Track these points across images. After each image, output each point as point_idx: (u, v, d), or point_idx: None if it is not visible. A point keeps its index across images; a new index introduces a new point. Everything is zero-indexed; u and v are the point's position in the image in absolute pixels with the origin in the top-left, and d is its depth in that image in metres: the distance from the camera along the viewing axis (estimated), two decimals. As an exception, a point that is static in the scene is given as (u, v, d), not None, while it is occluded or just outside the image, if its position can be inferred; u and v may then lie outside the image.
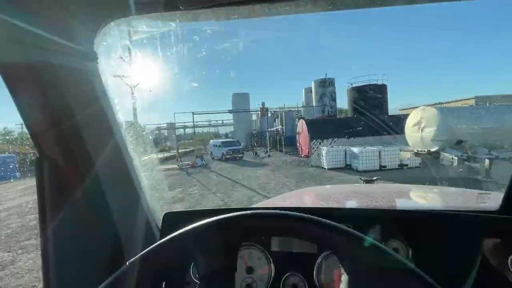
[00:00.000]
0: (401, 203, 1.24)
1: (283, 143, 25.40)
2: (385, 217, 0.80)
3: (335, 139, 16.11)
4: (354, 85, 27.09)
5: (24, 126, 0.65)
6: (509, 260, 0.66)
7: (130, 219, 0.84)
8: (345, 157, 14.14)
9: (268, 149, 24.30)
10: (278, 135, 29.08)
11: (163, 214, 0.91)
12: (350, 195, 1.52)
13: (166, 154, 24.01)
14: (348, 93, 27.41)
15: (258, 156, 23.76)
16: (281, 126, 28.61)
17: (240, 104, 34.88)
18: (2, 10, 0.50)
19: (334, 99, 29.14)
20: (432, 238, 0.74)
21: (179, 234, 0.47)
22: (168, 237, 0.47)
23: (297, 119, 32.23)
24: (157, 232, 0.92)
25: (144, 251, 0.46)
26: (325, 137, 16.48)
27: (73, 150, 0.69)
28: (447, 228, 0.75)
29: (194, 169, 17.78)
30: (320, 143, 15.85)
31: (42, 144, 0.67)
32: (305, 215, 0.46)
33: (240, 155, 22.56)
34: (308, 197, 1.67)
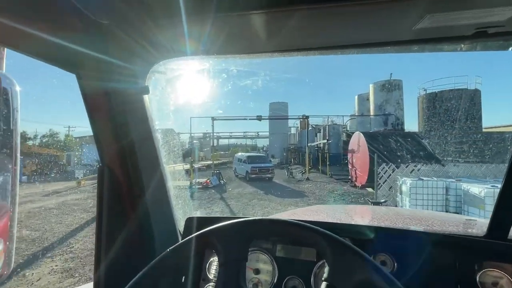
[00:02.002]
0: (395, 223, 1.29)
1: (327, 163, 19.43)
2: (376, 234, 0.89)
3: (421, 165, 9.85)
4: (428, 91, 20.10)
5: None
6: (477, 277, 0.77)
7: (160, 221, 0.98)
8: (446, 199, 7.94)
9: (306, 169, 18.45)
10: (320, 152, 23.16)
11: (186, 218, 1.06)
12: (352, 213, 1.67)
13: (197, 165, 20.05)
14: (421, 100, 20.41)
15: (293, 177, 18.12)
16: (324, 141, 22.70)
17: (278, 115, 30.04)
18: (90, 57, 0.71)
19: (401, 107, 21.88)
20: (416, 255, 0.83)
21: (208, 230, 0.61)
22: (200, 232, 0.62)
23: (344, 134, 25.76)
24: (179, 234, 1.06)
25: (182, 241, 0.61)
26: (402, 161, 10.35)
27: (127, 161, 0.88)
28: (431, 247, 0.84)
29: (204, 192, 13.06)
30: (393, 171, 9.75)
31: (104, 155, 0.87)
32: (302, 223, 0.60)
33: (269, 175, 17.15)
34: (313, 213, 1.75)
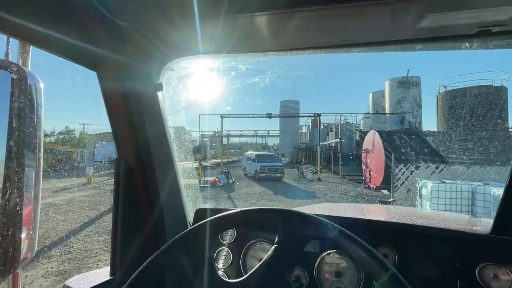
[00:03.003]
0: (400, 219, 1.19)
1: (339, 163, 18.73)
2: (380, 227, 0.94)
3: (444, 166, 9.07)
4: (449, 88, 18.97)
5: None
6: (476, 271, 0.77)
7: (173, 210, 1.04)
8: (472, 204, 7.25)
9: (318, 169, 17.80)
10: (332, 152, 22.44)
11: (195, 210, 1.13)
12: (357, 210, 1.61)
13: (207, 163, 19.94)
14: (440, 98, 19.29)
15: (304, 177, 17.56)
16: (336, 140, 21.97)
17: (289, 113, 29.43)
18: (110, 56, 0.77)
19: (419, 105, 20.72)
20: (418, 249, 0.85)
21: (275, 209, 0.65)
22: (217, 216, 0.66)
23: (357, 133, 24.95)
24: (189, 224, 1.11)
25: (202, 221, 0.65)
26: (421, 162, 9.62)
27: (141, 154, 0.93)
28: (433, 242, 0.85)
29: (212, 191, 12.79)
30: (412, 172, 9.05)
31: (121, 148, 0.92)
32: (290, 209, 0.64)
33: (278, 175, 16.66)
34: (318, 208, 1.73)
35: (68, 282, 0.96)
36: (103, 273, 0.94)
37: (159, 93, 0.96)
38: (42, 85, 0.64)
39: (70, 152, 29.75)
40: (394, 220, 1.22)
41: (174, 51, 0.86)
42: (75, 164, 27.32)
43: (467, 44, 0.78)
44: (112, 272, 0.91)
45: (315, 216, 0.61)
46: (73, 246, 5.62)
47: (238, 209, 0.68)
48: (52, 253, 5.25)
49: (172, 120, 1.06)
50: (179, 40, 0.79)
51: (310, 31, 0.73)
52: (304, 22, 0.67)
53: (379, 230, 0.91)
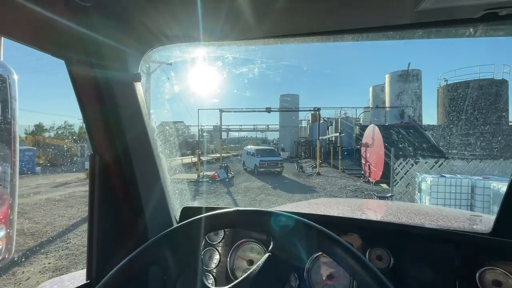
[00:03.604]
0: (398, 217, 1.18)
1: (339, 157, 18.68)
2: (376, 227, 0.90)
3: (443, 160, 9.01)
4: (450, 81, 18.80)
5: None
6: (476, 275, 0.73)
7: (155, 209, 0.97)
8: (472, 198, 7.23)
9: (317, 163, 17.74)
10: (331, 146, 22.38)
11: (182, 208, 1.09)
12: (354, 207, 1.58)
13: (206, 157, 19.83)
14: (441, 91, 19.14)
15: (303, 171, 17.53)
16: (336, 134, 21.90)
17: (288, 107, 29.21)
18: (80, 39, 0.70)
19: (419, 98, 20.46)
20: (415, 250, 0.81)
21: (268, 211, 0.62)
22: (259, 209, 0.63)
23: (357, 127, 24.92)
24: (175, 222, 1.06)
25: (194, 218, 0.63)
26: (421, 156, 9.57)
27: (118, 148, 0.86)
28: (431, 243, 0.81)
29: (211, 186, 12.77)
30: (412, 166, 9.01)
31: (96, 143, 0.85)
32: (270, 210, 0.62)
33: (278, 169, 16.64)
34: (315, 205, 1.69)
35: (43, 286, 0.90)
36: (79, 276, 0.89)
37: (139, 84, 0.89)
38: (15, 77, 0.60)
39: (69, 147, 29.68)
40: (391, 217, 1.18)
41: (152, 39, 0.80)
42: (75, 159, 27.28)
43: (471, 29, 0.72)
44: (88, 276, 0.86)
45: (312, 223, 0.57)
46: (70, 242, 5.61)
47: (233, 208, 0.64)
48: (51, 248, 5.23)
49: (170, 115, 1.05)
50: (157, 26, 0.72)
51: (300, 15, 0.68)
52: (293, 5, 0.62)
53: (374, 230, 0.88)
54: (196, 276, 0.58)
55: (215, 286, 0.95)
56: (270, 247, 0.59)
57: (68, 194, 10.56)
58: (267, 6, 0.63)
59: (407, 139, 11.94)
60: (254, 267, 0.58)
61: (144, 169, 0.93)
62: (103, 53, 0.76)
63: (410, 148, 11.31)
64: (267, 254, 0.59)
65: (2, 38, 0.64)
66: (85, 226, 6.67)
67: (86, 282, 0.86)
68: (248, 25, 0.74)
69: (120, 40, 0.78)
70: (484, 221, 1.05)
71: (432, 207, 1.97)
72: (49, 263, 4.65)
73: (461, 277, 0.76)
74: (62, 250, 5.18)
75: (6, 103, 0.56)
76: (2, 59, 0.68)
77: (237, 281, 0.57)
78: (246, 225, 0.78)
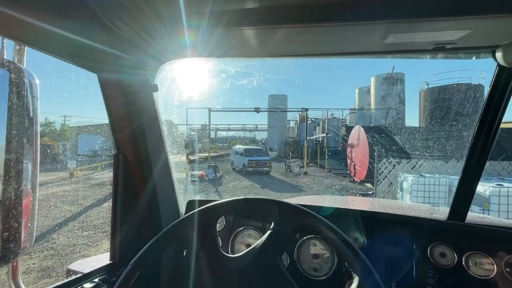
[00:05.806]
0: (373, 208, 1.36)
1: (326, 157, 19.11)
2: (354, 215, 1.08)
3: (423, 160, 9.50)
4: (431, 85, 19.66)
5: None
6: (428, 250, 0.98)
7: (167, 201, 1.12)
8: (449, 197, 7.66)
9: (305, 163, 18.08)
10: (318, 146, 22.84)
11: (187, 201, 1.24)
12: (337, 201, 1.78)
13: (194, 157, 19.62)
14: (422, 95, 19.99)
15: (291, 171, 17.81)
16: (323, 135, 22.35)
17: (276, 107, 29.48)
18: (109, 60, 0.84)
19: (402, 101, 21.39)
20: (383, 233, 1.03)
21: (272, 200, 0.77)
22: (209, 204, 0.78)
23: (343, 128, 25.47)
24: (181, 215, 1.21)
25: (210, 204, 0.78)
26: (403, 156, 10.01)
27: (138, 149, 1.00)
28: (396, 226, 1.03)
29: (199, 185, 12.74)
30: (394, 167, 9.42)
31: (120, 144, 0.99)
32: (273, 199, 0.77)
33: (266, 169, 16.81)
34: (305, 200, 1.83)
35: (71, 266, 1.04)
36: (103, 258, 1.01)
37: (155, 94, 1.03)
38: (37, 82, 0.67)
39: (51, 145, 28.53)
40: (367, 208, 1.37)
41: (166, 55, 0.93)
42: (57, 158, 26.25)
43: (427, 56, 0.90)
44: (112, 257, 0.99)
45: (305, 208, 0.71)
46: (55, 242, 5.49)
47: (241, 197, 0.79)
48: (35, 248, 5.11)
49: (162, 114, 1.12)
50: (172, 45, 0.85)
51: (293, 43, 0.83)
52: (287, 36, 0.77)
53: (353, 217, 1.07)
54: (215, 246, 0.72)
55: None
56: (272, 226, 0.72)
57: (51, 194, 10.23)
58: (265, 36, 0.78)
59: (379, 142, 12.51)
60: (259, 241, 0.71)
61: (158, 167, 1.06)
62: (128, 68, 0.89)
63: (382, 150, 11.89)
64: (269, 231, 0.71)
65: (26, 48, 0.70)
66: (69, 226, 6.55)
67: (110, 262, 0.98)
68: (244, 48, 0.88)
69: (141, 57, 0.90)
70: (443, 210, 1.25)
71: (406, 202, 2.43)
72: (34, 263, 4.55)
73: (417, 251, 0.98)
74: (47, 250, 5.07)
75: (30, 105, 0.61)
76: (25, 66, 0.74)
77: (248, 249, 0.71)
78: (253, 210, 0.98)
